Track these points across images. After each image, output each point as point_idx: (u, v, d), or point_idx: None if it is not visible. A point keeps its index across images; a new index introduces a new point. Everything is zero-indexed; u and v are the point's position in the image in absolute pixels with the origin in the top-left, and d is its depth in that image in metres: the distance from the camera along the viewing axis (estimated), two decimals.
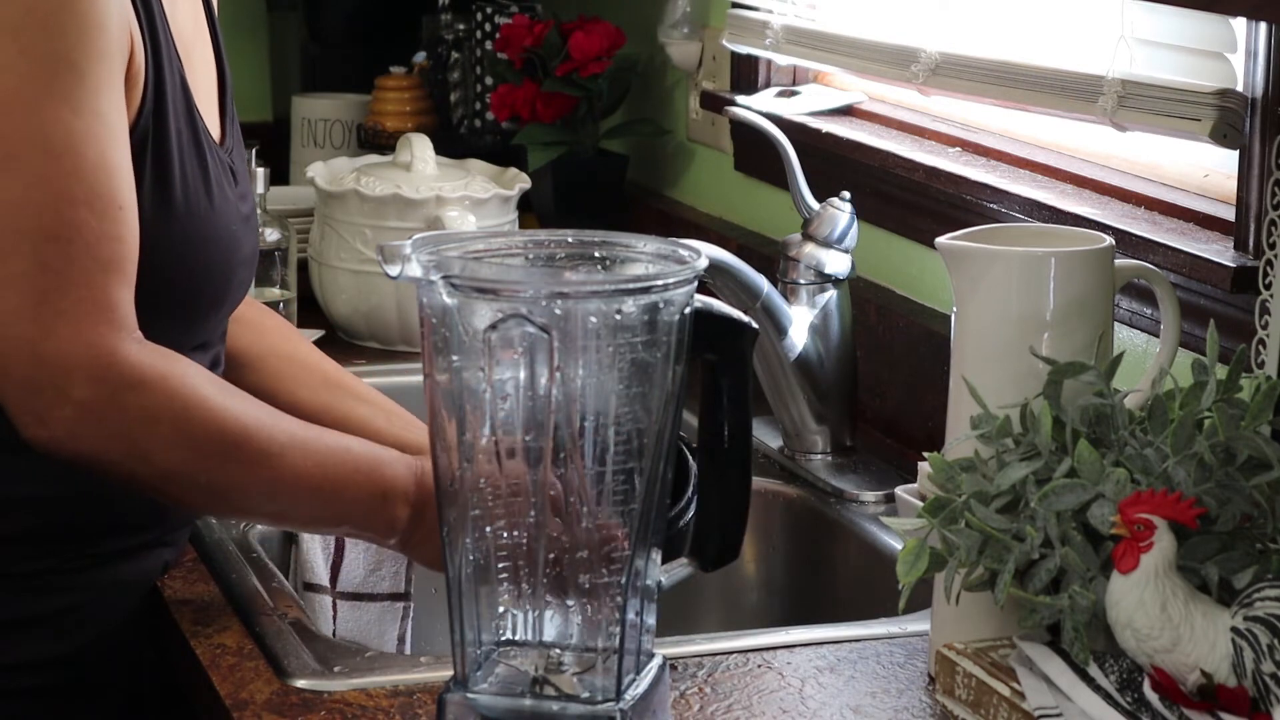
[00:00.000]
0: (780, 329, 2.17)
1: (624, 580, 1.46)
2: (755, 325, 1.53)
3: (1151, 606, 1.42)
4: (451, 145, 2.91)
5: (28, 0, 1.63)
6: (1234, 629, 1.42)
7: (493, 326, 1.43)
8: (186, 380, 1.64)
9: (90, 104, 1.64)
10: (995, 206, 2.13)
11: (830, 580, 2.11)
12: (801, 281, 2.20)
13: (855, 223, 2.21)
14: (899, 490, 1.96)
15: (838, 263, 2.20)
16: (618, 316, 1.42)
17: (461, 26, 3.16)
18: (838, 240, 2.21)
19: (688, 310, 1.46)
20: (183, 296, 1.75)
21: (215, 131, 1.82)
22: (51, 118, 1.63)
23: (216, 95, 1.86)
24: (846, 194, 2.22)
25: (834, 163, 2.42)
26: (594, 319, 1.42)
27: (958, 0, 2.27)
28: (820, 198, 2.23)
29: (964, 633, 1.60)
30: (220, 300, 1.80)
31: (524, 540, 1.46)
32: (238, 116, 1.91)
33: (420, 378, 1.51)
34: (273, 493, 1.67)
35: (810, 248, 2.21)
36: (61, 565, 1.74)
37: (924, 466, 1.64)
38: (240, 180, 1.84)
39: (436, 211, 2.55)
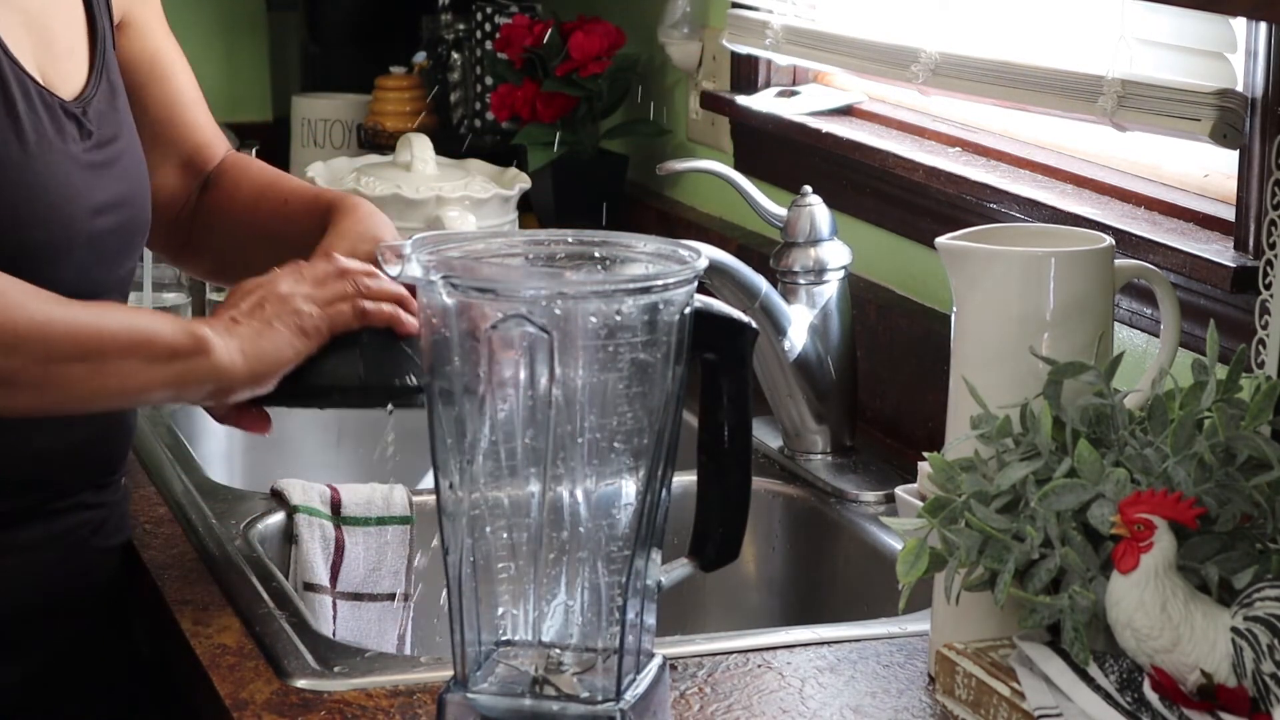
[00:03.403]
0: (780, 329, 2.16)
1: (624, 580, 1.46)
2: (755, 325, 1.53)
3: (1151, 606, 1.42)
4: (451, 145, 2.92)
5: None
6: (1234, 629, 1.42)
7: (493, 326, 1.43)
8: None
9: None
10: (995, 206, 2.13)
11: (830, 580, 2.11)
12: (801, 282, 2.19)
13: (828, 210, 2.21)
14: (899, 490, 1.96)
15: (834, 253, 2.20)
16: (618, 316, 1.42)
17: (461, 26, 3.16)
18: (824, 234, 2.20)
19: (688, 310, 1.46)
20: (7, 248, 1.71)
21: (75, 81, 1.79)
22: None
23: (87, 42, 1.83)
24: (808, 188, 2.22)
25: (834, 163, 2.42)
26: (594, 319, 1.42)
27: (958, 0, 2.27)
28: (822, 199, 2.22)
29: (964, 633, 1.60)
30: (63, 251, 1.75)
31: (524, 540, 1.46)
32: (116, 67, 1.87)
33: None
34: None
35: (800, 251, 2.20)
36: None
37: (924, 466, 1.64)
38: (98, 128, 1.79)
39: (436, 211, 2.56)
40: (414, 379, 1.71)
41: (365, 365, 1.71)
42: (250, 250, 1.95)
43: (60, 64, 1.79)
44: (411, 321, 1.68)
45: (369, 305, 1.69)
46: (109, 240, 1.79)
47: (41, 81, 1.77)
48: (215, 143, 2.02)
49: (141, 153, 1.87)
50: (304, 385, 1.71)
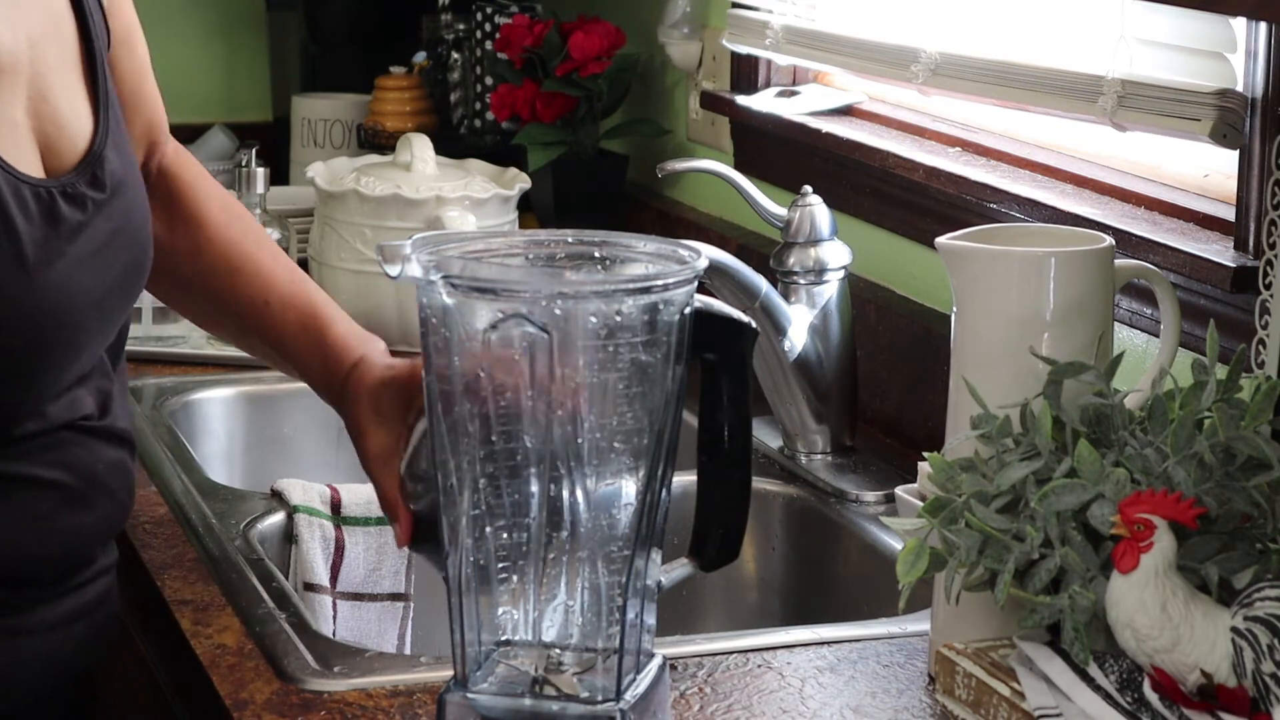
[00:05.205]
0: (780, 329, 2.16)
1: (624, 580, 1.46)
2: (755, 325, 1.53)
3: (1152, 606, 1.42)
4: (451, 145, 2.92)
5: None
6: (1234, 629, 1.42)
7: (493, 326, 1.43)
8: None
9: None
10: (995, 206, 2.13)
11: (830, 580, 2.11)
12: (801, 282, 2.19)
13: (828, 210, 2.21)
14: (899, 490, 1.96)
15: (834, 253, 2.20)
16: (618, 317, 1.42)
17: (461, 26, 3.16)
18: (824, 234, 2.20)
19: (688, 310, 1.46)
20: (18, 368, 1.62)
21: (81, 134, 1.67)
22: None
23: (82, 71, 1.69)
24: (808, 188, 2.22)
25: (834, 163, 2.42)
26: (594, 319, 1.42)
27: (958, 0, 2.27)
28: (822, 199, 2.22)
29: (964, 633, 1.60)
30: (78, 350, 1.65)
31: (524, 540, 1.46)
32: (117, 100, 1.72)
33: None
34: None
35: (800, 251, 2.20)
36: None
37: (924, 466, 1.64)
38: (109, 180, 1.66)
39: (436, 211, 2.55)
40: None
41: None
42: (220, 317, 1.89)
43: (62, 115, 1.66)
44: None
45: None
46: (117, 311, 1.70)
47: (43, 157, 1.64)
48: (163, 118, 1.91)
49: (142, 181, 1.75)
50: None
